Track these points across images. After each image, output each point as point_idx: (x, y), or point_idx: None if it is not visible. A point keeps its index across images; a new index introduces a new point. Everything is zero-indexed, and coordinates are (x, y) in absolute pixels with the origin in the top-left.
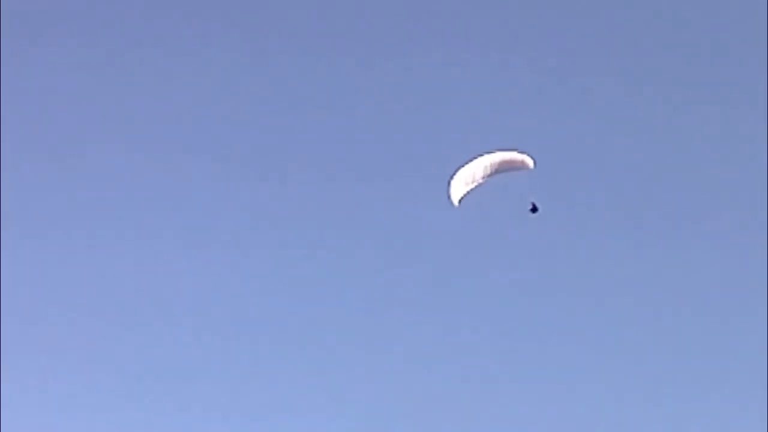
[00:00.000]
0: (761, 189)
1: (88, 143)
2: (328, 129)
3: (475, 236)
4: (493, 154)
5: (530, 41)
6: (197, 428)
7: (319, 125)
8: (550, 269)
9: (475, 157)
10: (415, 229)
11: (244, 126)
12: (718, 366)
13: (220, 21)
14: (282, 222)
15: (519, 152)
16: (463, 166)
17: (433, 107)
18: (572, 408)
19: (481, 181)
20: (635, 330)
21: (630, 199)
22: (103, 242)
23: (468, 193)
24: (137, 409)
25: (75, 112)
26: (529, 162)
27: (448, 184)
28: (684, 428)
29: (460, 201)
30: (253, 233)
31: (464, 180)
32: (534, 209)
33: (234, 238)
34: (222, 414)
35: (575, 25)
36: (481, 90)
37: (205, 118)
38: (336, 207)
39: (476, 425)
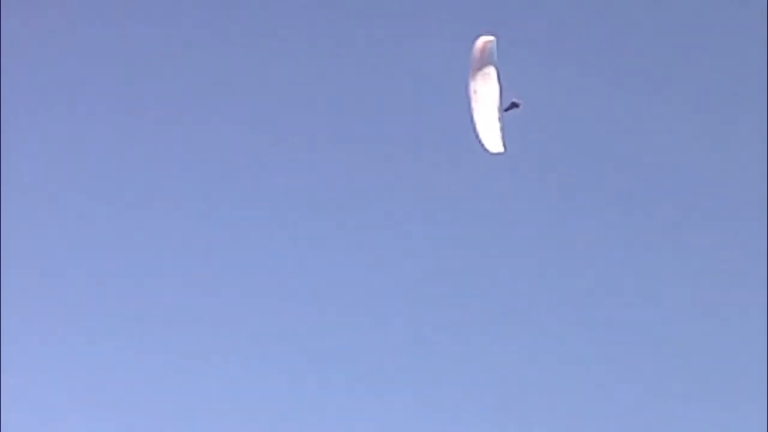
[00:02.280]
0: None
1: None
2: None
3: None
4: (470, 79)
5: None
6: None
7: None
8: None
9: (469, 100)
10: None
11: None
12: (718, 364)
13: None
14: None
15: (475, 48)
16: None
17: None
18: (569, 406)
19: (494, 106)
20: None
21: (631, 198)
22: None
23: (502, 128)
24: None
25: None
26: (487, 38)
27: (478, 140)
28: (683, 428)
29: (503, 143)
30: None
31: (483, 122)
32: (512, 106)
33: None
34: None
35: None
36: None
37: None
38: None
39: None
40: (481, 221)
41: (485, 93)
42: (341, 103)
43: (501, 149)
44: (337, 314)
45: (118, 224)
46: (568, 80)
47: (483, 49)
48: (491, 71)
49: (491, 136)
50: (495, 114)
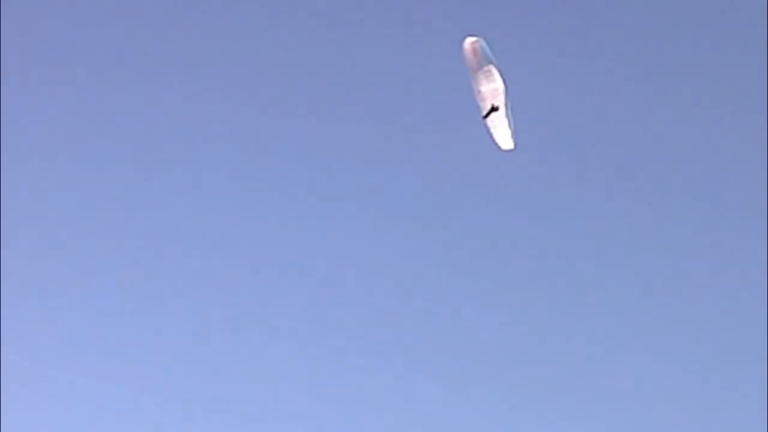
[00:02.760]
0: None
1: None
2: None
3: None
4: (472, 81)
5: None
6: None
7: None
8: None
9: (479, 103)
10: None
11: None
12: (718, 363)
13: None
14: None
15: (465, 52)
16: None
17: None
18: (572, 405)
19: (500, 100)
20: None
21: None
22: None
23: (510, 125)
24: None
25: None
26: (472, 39)
27: (492, 139)
28: (683, 428)
29: (513, 139)
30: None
31: (491, 120)
32: (492, 110)
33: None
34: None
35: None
36: None
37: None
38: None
39: None
40: (493, 216)
41: (489, 91)
42: (344, 100)
43: (511, 145)
44: (336, 313)
45: (125, 217)
46: (574, 80)
47: (474, 51)
48: (491, 69)
49: (501, 133)
50: (502, 111)
